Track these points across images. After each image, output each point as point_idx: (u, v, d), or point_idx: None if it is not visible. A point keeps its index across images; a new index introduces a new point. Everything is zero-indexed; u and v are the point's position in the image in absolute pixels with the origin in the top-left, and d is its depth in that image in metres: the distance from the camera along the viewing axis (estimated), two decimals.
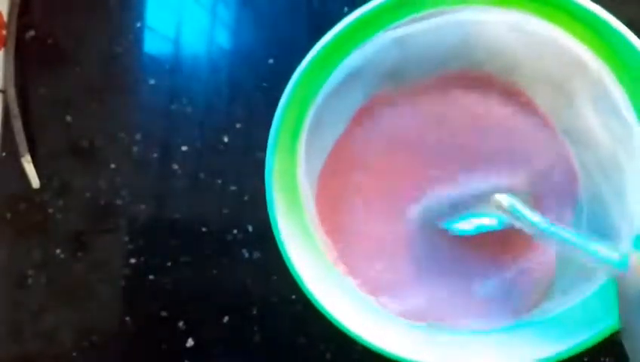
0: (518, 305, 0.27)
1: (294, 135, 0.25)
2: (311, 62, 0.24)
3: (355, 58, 0.25)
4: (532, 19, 0.24)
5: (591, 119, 0.25)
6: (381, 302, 0.27)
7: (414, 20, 0.24)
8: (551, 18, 0.24)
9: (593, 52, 0.24)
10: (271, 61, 0.32)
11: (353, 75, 0.25)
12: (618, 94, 0.24)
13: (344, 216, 0.27)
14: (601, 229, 0.25)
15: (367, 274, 0.27)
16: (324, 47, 0.24)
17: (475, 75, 0.27)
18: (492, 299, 0.27)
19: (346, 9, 0.31)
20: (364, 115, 0.27)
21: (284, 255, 0.24)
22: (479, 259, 0.27)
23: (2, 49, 0.32)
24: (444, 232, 0.27)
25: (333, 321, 0.24)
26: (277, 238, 0.24)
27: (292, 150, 0.25)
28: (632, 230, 0.24)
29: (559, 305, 0.25)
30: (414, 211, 0.28)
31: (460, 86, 0.27)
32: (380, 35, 0.24)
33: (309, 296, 0.24)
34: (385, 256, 0.27)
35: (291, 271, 0.24)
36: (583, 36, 0.24)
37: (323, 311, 0.24)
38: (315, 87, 0.25)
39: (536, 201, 0.26)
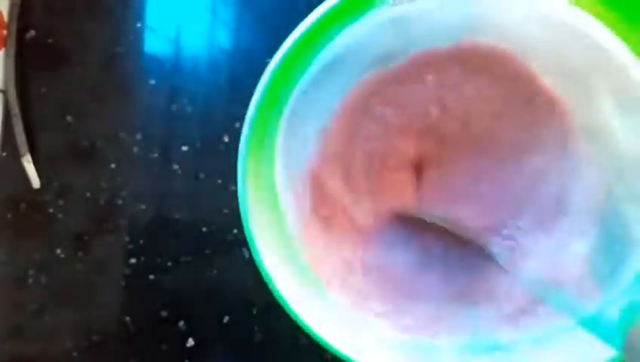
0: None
1: (271, 129, 0.23)
2: (291, 48, 0.21)
3: (340, 42, 0.22)
4: (555, 5, 0.21)
5: (612, 117, 0.23)
6: (360, 311, 0.26)
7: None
8: (580, 4, 0.21)
9: (621, 42, 0.22)
10: (270, 61, 0.32)
11: (337, 61, 0.23)
12: None
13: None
14: (615, 234, 0.24)
15: (350, 284, 0.26)
16: (304, 33, 0.21)
17: (479, 60, 0.24)
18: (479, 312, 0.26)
19: None
20: (350, 107, 0.25)
21: (257, 263, 0.24)
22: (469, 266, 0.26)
23: (2, 49, 0.32)
24: (438, 240, 0.26)
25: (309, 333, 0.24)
26: (251, 246, 0.23)
27: (269, 147, 0.23)
28: None
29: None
30: (405, 213, 0.26)
31: (459, 69, 0.24)
32: (372, 15, 0.22)
33: (282, 304, 0.24)
34: (370, 267, 0.26)
35: (268, 284, 0.24)
36: (611, 23, 0.21)
37: (296, 320, 0.24)
38: (294, 76, 0.23)
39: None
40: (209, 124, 0.32)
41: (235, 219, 0.31)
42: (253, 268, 0.31)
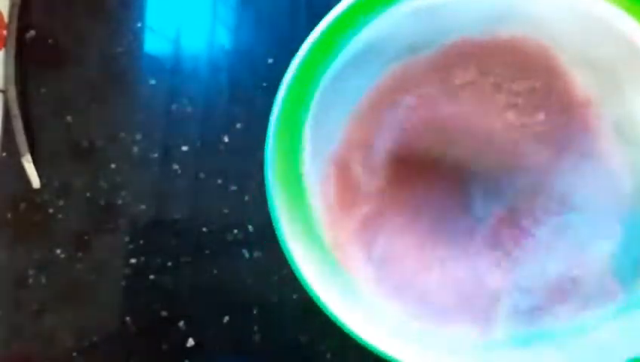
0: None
1: (298, 121, 0.23)
2: (317, 40, 0.21)
3: (369, 32, 0.22)
4: None
5: None
6: (388, 302, 0.25)
7: None
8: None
9: None
10: (271, 61, 0.32)
11: (367, 51, 0.23)
12: None
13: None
14: (605, 207, 0.24)
15: (376, 272, 0.26)
16: (333, 22, 0.21)
17: (507, 48, 0.24)
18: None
19: None
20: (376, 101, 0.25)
21: (286, 253, 0.23)
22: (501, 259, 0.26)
23: (2, 49, 0.32)
24: (468, 226, 0.25)
25: (338, 323, 0.23)
26: (279, 237, 0.23)
27: (295, 138, 0.23)
28: None
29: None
30: (437, 203, 0.26)
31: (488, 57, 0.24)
32: (403, 3, 0.22)
33: (312, 296, 0.23)
34: (399, 252, 0.26)
35: (294, 270, 0.23)
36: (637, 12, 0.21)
37: (326, 311, 0.23)
38: (322, 66, 0.22)
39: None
40: (209, 124, 0.32)
41: (235, 219, 0.31)
42: (254, 268, 0.31)
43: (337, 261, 0.25)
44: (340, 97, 0.24)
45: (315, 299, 0.23)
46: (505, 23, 0.23)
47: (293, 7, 0.32)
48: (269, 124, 0.22)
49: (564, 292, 0.24)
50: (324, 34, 0.21)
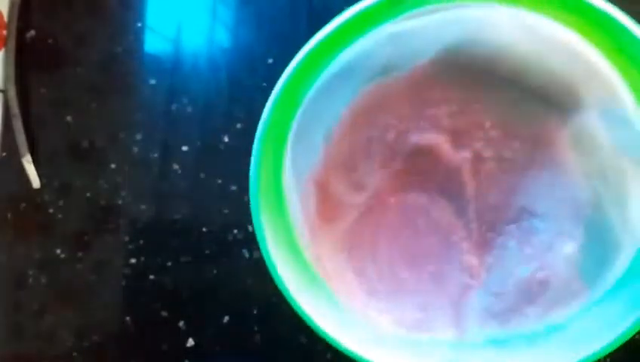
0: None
1: (281, 139, 0.24)
2: (302, 61, 0.23)
3: (346, 55, 0.24)
4: (541, 19, 0.23)
5: (597, 125, 0.24)
6: (365, 312, 0.26)
7: (413, 16, 0.23)
8: (562, 19, 0.22)
9: (605, 56, 0.23)
10: (271, 61, 0.32)
11: (343, 72, 0.24)
12: (630, 103, 0.23)
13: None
14: (601, 239, 0.25)
15: (358, 284, 0.27)
16: (317, 45, 0.23)
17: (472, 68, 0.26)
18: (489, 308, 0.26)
19: (346, 8, 0.31)
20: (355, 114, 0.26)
21: (267, 262, 0.24)
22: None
23: (2, 49, 0.32)
24: (444, 233, 0.27)
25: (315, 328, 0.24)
26: (262, 248, 0.24)
27: (278, 155, 0.24)
28: (635, 241, 0.23)
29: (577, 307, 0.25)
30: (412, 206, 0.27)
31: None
32: (375, 31, 0.23)
33: (290, 303, 0.24)
34: (378, 263, 0.27)
35: (276, 280, 0.24)
36: (594, 38, 0.22)
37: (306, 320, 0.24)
38: (304, 88, 0.24)
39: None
40: (209, 124, 0.32)
41: (235, 219, 0.31)
42: (254, 268, 0.31)
43: (318, 274, 0.26)
44: (319, 117, 0.25)
45: (297, 310, 0.24)
46: (471, 47, 0.24)
47: (293, 7, 0.32)
48: (254, 142, 0.23)
49: (533, 293, 0.26)
50: (308, 56, 0.23)
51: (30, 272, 0.32)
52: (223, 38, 0.33)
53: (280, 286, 0.24)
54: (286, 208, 0.25)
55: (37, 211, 0.32)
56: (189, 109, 0.32)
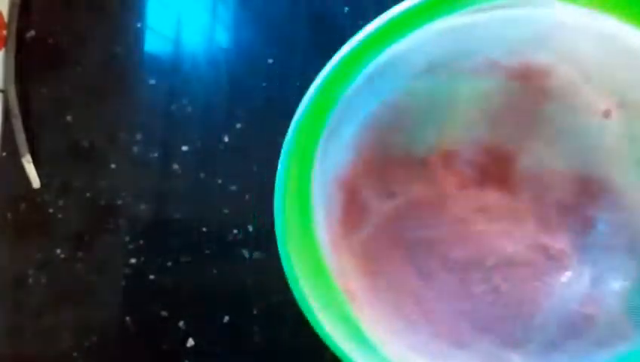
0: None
1: (314, 137, 0.22)
2: (343, 59, 0.21)
3: (392, 49, 0.21)
4: (623, 26, 0.20)
5: None
6: (381, 333, 0.24)
7: (475, 11, 0.21)
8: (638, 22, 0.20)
9: None
10: (271, 61, 0.32)
11: (384, 70, 0.22)
12: None
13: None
14: (620, 242, 0.23)
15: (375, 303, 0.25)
16: (361, 42, 0.21)
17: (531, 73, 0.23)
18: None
19: (346, 9, 0.31)
20: None
21: (286, 270, 0.23)
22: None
23: (2, 49, 0.32)
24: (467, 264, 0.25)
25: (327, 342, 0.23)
26: (284, 262, 0.23)
27: (308, 155, 0.23)
28: None
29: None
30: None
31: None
32: (427, 25, 0.21)
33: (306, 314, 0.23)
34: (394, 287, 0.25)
35: (297, 296, 0.23)
36: None
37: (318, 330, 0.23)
38: (342, 85, 0.22)
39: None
40: (209, 124, 0.32)
41: (235, 219, 0.31)
42: (254, 268, 0.31)
43: (338, 285, 0.24)
44: (352, 116, 0.23)
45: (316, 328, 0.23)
46: (534, 49, 0.22)
47: (293, 7, 0.32)
48: (284, 141, 0.22)
49: (577, 329, 0.24)
50: (349, 55, 0.21)
51: (30, 272, 0.32)
52: (223, 38, 0.33)
53: (297, 296, 0.23)
54: (310, 214, 0.23)
55: (37, 211, 0.32)
56: (189, 109, 0.32)
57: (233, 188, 0.32)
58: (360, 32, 0.21)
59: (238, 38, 0.32)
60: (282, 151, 0.22)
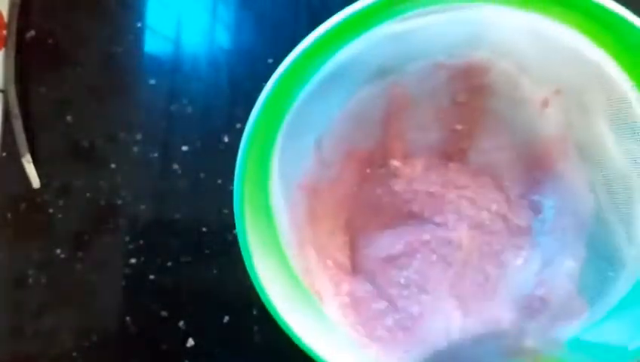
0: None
1: (269, 141, 0.23)
2: (295, 61, 0.21)
3: (341, 56, 0.22)
4: (551, 22, 0.21)
5: (606, 136, 0.23)
6: (351, 331, 0.25)
7: (415, 15, 0.22)
8: (569, 20, 0.21)
9: (618, 63, 0.22)
10: (271, 61, 0.32)
11: (337, 74, 0.23)
12: None
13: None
14: (604, 256, 0.24)
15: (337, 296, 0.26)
16: (312, 45, 0.21)
17: (472, 73, 0.24)
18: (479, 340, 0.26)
19: (345, 7, 0.31)
20: None
21: (251, 273, 0.23)
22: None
23: (2, 49, 0.32)
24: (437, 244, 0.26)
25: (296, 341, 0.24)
26: (245, 257, 0.23)
27: (265, 159, 0.23)
28: (639, 255, 0.22)
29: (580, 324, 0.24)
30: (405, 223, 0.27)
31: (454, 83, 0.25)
32: (374, 30, 0.22)
33: (270, 311, 0.23)
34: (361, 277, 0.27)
35: (258, 290, 0.23)
36: (607, 44, 0.21)
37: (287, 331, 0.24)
38: (296, 88, 0.23)
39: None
40: (209, 124, 0.32)
41: (235, 219, 0.31)
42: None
43: (305, 285, 0.25)
44: (310, 120, 0.24)
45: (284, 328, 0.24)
46: (472, 48, 0.23)
47: (293, 8, 0.32)
48: (239, 150, 0.23)
49: (534, 310, 0.25)
50: (297, 61, 0.22)
51: (30, 272, 0.32)
52: (223, 38, 0.33)
53: (264, 300, 0.23)
54: (273, 217, 0.24)
55: (37, 211, 0.32)
56: (189, 109, 0.32)
57: (233, 188, 0.31)
58: (307, 36, 0.22)
59: (238, 39, 0.32)
60: (237, 160, 0.23)
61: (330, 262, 0.26)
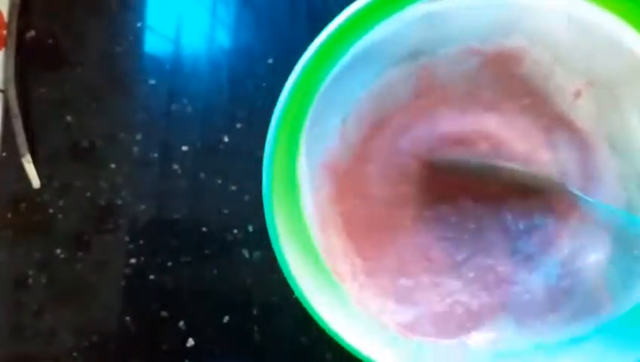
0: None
1: (298, 121, 0.23)
2: (326, 40, 0.21)
3: (374, 35, 0.22)
4: (589, 6, 0.21)
5: (638, 129, 0.23)
6: (378, 314, 0.25)
7: None
8: (612, 6, 0.20)
9: None
10: (271, 61, 0.32)
11: (368, 55, 0.22)
12: None
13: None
14: (631, 246, 0.24)
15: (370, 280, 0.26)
16: (343, 24, 0.21)
17: (505, 57, 0.24)
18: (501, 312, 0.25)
19: (346, 7, 0.31)
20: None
21: (279, 258, 0.23)
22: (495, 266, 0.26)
23: (2, 49, 0.32)
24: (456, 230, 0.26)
25: (328, 331, 0.23)
26: (273, 242, 0.23)
27: (293, 143, 0.23)
28: None
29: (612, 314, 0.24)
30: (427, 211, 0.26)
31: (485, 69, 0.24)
32: (408, 10, 0.21)
33: (302, 301, 0.23)
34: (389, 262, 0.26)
35: (287, 277, 0.23)
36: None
37: (316, 318, 0.23)
38: (326, 68, 0.22)
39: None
40: (209, 124, 0.32)
41: (235, 219, 0.31)
42: (254, 268, 0.31)
43: (328, 267, 0.25)
44: (338, 101, 0.24)
45: (309, 309, 0.23)
46: (507, 34, 0.23)
47: (293, 7, 0.32)
48: (269, 128, 0.22)
49: (557, 302, 0.25)
50: (330, 39, 0.21)
51: (30, 272, 0.32)
52: (223, 38, 0.33)
53: (290, 281, 0.23)
54: (299, 196, 0.24)
55: (37, 211, 0.32)
56: (189, 109, 0.32)
57: (233, 188, 0.32)
58: (337, 17, 0.21)
59: (238, 38, 0.32)
60: (267, 139, 0.22)
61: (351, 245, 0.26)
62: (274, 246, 0.23)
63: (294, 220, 0.24)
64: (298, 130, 0.23)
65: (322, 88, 0.22)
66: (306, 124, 0.23)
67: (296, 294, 0.23)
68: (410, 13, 0.21)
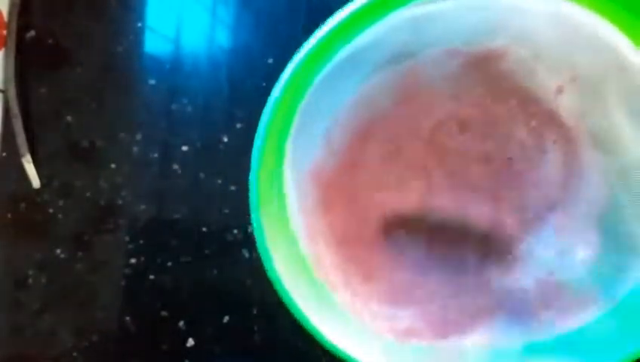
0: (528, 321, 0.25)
1: (285, 128, 0.23)
2: (312, 50, 0.21)
3: (360, 40, 0.22)
4: (573, 5, 0.21)
5: (623, 125, 0.23)
6: (367, 319, 0.25)
7: (430, 1, 0.21)
8: (595, 5, 0.21)
9: (638, 51, 0.21)
10: (270, 61, 0.32)
11: (353, 60, 0.22)
12: None
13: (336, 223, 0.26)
14: (618, 245, 0.24)
15: (355, 288, 0.26)
16: (328, 33, 0.21)
17: (488, 59, 0.24)
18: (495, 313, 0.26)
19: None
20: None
21: (264, 261, 0.23)
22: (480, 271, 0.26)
23: (2, 49, 0.32)
24: (443, 237, 0.26)
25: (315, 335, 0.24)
26: (260, 248, 0.23)
27: (280, 147, 0.23)
28: None
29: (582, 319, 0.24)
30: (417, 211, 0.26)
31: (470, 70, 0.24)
32: (393, 14, 0.21)
33: (287, 304, 0.24)
34: (376, 268, 0.26)
35: (275, 284, 0.23)
36: (629, 29, 0.21)
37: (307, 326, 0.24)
38: (311, 75, 0.22)
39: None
40: (209, 124, 0.32)
41: (235, 219, 0.31)
42: (254, 268, 0.31)
43: (319, 277, 0.25)
44: (323, 108, 0.24)
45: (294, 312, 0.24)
46: (492, 35, 0.23)
47: (293, 7, 0.32)
48: (255, 136, 0.23)
49: (549, 298, 0.25)
50: (317, 47, 0.21)
51: (30, 272, 0.32)
52: (223, 38, 0.33)
53: (278, 288, 0.23)
54: (286, 206, 0.24)
55: (37, 211, 0.32)
56: (189, 109, 0.32)
57: (233, 188, 0.32)
58: (322, 26, 0.21)
59: (238, 38, 0.32)
60: (253, 146, 0.22)
61: (340, 252, 0.26)
62: (265, 262, 0.23)
63: (283, 230, 0.24)
64: (284, 138, 0.23)
65: (308, 95, 0.23)
66: (292, 131, 0.23)
67: (287, 304, 0.24)
68: (395, 17, 0.22)
